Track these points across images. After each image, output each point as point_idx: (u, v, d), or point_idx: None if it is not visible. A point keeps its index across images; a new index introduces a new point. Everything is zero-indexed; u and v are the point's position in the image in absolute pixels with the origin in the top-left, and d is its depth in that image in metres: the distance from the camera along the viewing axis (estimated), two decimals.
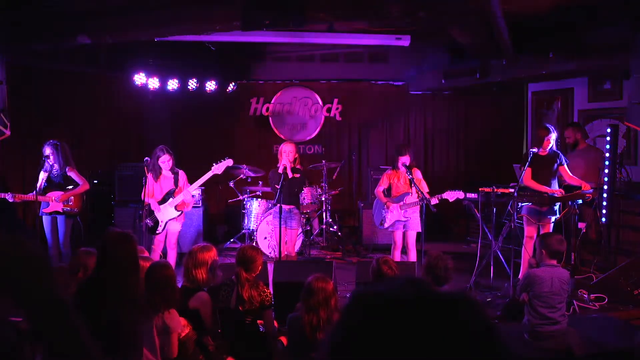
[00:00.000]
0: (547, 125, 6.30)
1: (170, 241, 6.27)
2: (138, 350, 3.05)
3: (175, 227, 6.27)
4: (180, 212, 6.24)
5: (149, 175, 6.18)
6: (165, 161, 6.21)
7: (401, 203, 6.30)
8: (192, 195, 7.58)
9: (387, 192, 6.48)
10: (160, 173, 6.26)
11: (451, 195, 6.17)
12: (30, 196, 6.12)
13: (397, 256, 6.38)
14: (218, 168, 6.24)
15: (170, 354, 3.54)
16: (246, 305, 4.08)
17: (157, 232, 6.18)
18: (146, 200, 6.11)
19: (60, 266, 4.53)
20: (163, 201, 6.20)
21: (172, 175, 6.30)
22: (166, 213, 6.19)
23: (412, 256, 6.28)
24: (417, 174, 6.37)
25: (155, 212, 6.17)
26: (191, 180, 6.32)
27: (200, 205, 8.01)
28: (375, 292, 0.83)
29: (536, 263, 4.63)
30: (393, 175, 6.43)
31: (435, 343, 0.75)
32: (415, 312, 0.78)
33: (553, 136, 6.14)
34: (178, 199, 6.19)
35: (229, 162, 6.30)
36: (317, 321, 3.56)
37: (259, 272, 4.38)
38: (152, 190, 6.22)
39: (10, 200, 6.14)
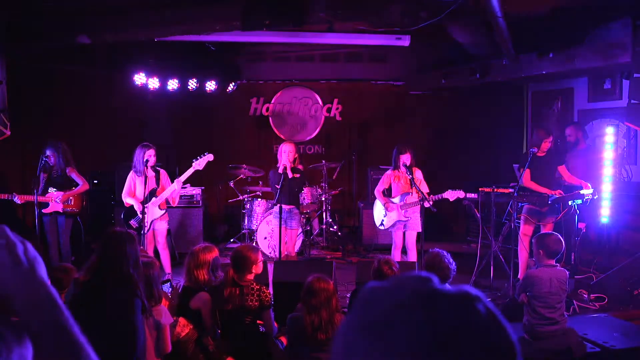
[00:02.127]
0: (547, 127, 6.31)
1: (159, 242, 6.23)
2: (140, 346, 3.05)
3: (162, 227, 6.24)
4: (164, 211, 6.21)
5: (130, 175, 6.16)
6: (151, 155, 6.17)
7: (402, 203, 6.29)
8: (192, 195, 7.54)
9: (388, 192, 6.48)
10: (145, 171, 6.22)
11: (452, 195, 6.17)
12: (32, 197, 6.12)
13: (397, 256, 6.37)
14: (199, 164, 6.22)
15: (165, 349, 3.55)
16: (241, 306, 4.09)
17: (143, 232, 6.13)
18: (127, 201, 6.10)
19: (62, 265, 4.53)
20: (146, 201, 6.17)
21: (154, 174, 6.27)
22: (150, 213, 6.16)
23: (412, 256, 6.28)
24: (418, 173, 6.36)
25: (138, 212, 6.14)
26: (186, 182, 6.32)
27: (200, 205, 8.01)
28: (385, 288, 0.83)
29: (534, 263, 4.63)
30: (394, 175, 6.42)
31: (444, 338, 0.75)
32: (424, 307, 0.78)
33: (551, 139, 6.15)
34: (161, 198, 6.17)
35: (209, 157, 6.28)
36: (319, 321, 3.56)
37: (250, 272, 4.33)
38: (135, 189, 6.19)
39: (18, 202, 6.16)
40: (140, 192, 6.12)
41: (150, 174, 6.25)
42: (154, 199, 6.17)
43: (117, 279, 3.02)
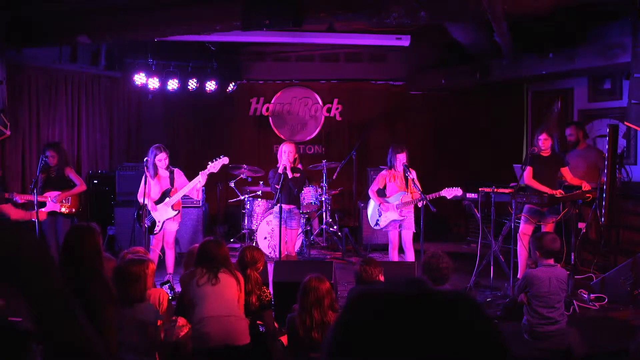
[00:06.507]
0: (545, 126, 6.33)
1: (167, 241, 6.24)
2: (113, 335, 3.06)
3: (173, 227, 6.24)
4: (177, 212, 6.21)
5: (146, 175, 6.16)
6: (162, 159, 6.16)
7: (397, 202, 6.27)
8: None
9: (382, 192, 6.46)
10: (157, 172, 6.22)
11: (449, 193, 6.16)
12: (31, 196, 6.13)
13: (394, 256, 6.36)
14: (214, 166, 6.20)
15: (150, 346, 3.55)
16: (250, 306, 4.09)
17: (155, 232, 6.15)
18: (141, 200, 6.09)
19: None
20: (160, 201, 6.16)
21: (168, 174, 6.27)
22: (163, 213, 6.16)
23: (410, 256, 6.27)
24: (412, 174, 6.34)
25: (152, 212, 6.15)
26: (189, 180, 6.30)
27: (200, 205, 8.01)
28: (376, 291, 0.83)
29: (532, 263, 4.63)
30: (389, 175, 6.40)
31: (436, 341, 0.75)
32: (416, 310, 0.78)
33: (547, 137, 6.14)
34: (174, 198, 6.15)
35: (224, 160, 6.25)
36: (310, 321, 3.55)
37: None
38: (149, 190, 6.19)
39: (18, 202, 6.17)
40: (151, 192, 6.16)
41: (164, 174, 6.24)
42: (167, 199, 6.16)
43: (84, 265, 3.06)
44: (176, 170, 6.31)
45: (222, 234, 8.98)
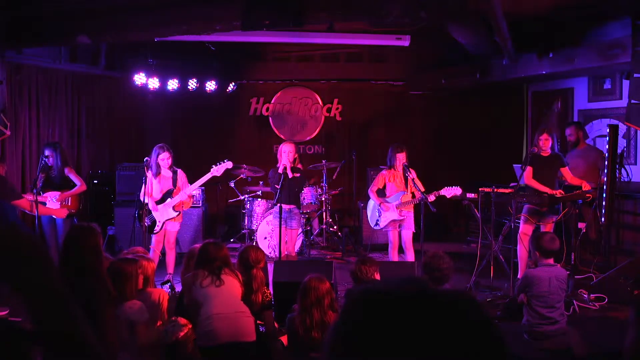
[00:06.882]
0: (545, 126, 6.33)
1: (168, 241, 6.24)
2: (113, 335, 3.07)
3: (174, 227, 6.24)
4: (178, 213, 6.21)
5: (148, 174, 6.16)
6: (164, 159, 6.18)
7: (397, 202, 6.27)
8: (193, 196, 7.57)
9: (382, 191, 6.46)
10: (160, 172, 6.23)
11: (448, 192, 6.16)
12: (30, 196, 6.12)
13: (394, 256, 6.36)
14: (217, 170, 6.20)
15: (139, 344, 3.56)
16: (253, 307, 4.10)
17: (155, 231, 6.15)
18: (144, 199, 6.10)
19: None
20: (161, 201, 6.17)
21: (171, 175, 6.28)
22: (164, 213, 6.16)
23: (410, 256, 6.27)
24: (412, 174, 6.33)
25: (152, 212, 6.15)
26: (190, 181, 6.31)
27: (200, 205, 8.01)
28: (375, 290, 0.83)
29: (533, 263, 4.63)
30: (388, 175, 6.40)
31: (436, 340, 0.75)
32: (416, 309, 0.78)
33: (548, 137, 6.15)
34: (176, 199, 6.16)
35: (228, 164, 6.26)
36: (310, 321, 3.56)
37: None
38: (151, 189, 6.20)
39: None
40: (153, 192, 6.17)
41: (167, 174, 6.26)
42: (169, 199, 6.16)
43: (83, 265, 3.07)
44: (179, 170, 6.32)
45: (222, 234, 8.98)
